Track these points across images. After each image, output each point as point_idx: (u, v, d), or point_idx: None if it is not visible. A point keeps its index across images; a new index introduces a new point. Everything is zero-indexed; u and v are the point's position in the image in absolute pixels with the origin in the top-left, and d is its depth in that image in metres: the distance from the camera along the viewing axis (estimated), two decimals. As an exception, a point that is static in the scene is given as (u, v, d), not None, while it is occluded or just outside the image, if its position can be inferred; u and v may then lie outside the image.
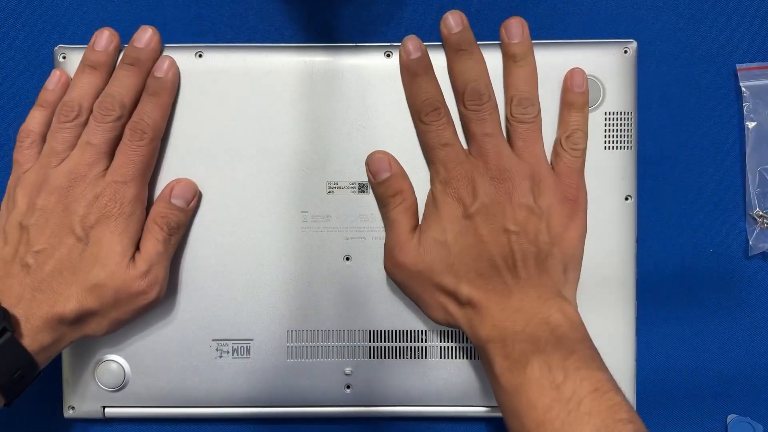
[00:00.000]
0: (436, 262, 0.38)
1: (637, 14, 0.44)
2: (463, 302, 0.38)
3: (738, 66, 0.44)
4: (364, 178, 0.41)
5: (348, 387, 0.42)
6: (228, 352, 0.42)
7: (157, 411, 0.43)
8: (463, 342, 0.42)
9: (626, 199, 0.41)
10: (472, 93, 0.39)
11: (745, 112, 0.44)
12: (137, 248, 0.39)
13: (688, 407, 0.45)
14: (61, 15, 0.44)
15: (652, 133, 0.44)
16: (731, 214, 0.44)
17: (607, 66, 0.41)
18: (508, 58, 0.40)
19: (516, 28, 0.39)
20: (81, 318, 0.37)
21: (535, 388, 0.34)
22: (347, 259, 0.42)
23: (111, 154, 0.39)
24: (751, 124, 0.44)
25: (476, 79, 0.39)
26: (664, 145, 0.44)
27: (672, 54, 0.44)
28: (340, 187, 0.41)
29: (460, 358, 0.42)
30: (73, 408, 0.43)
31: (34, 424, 0.45)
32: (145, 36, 0.40)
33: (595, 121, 0.41)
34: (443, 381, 0.42)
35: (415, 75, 0.39)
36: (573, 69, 0.40)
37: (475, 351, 0.42)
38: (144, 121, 0.39)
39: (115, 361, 0.42)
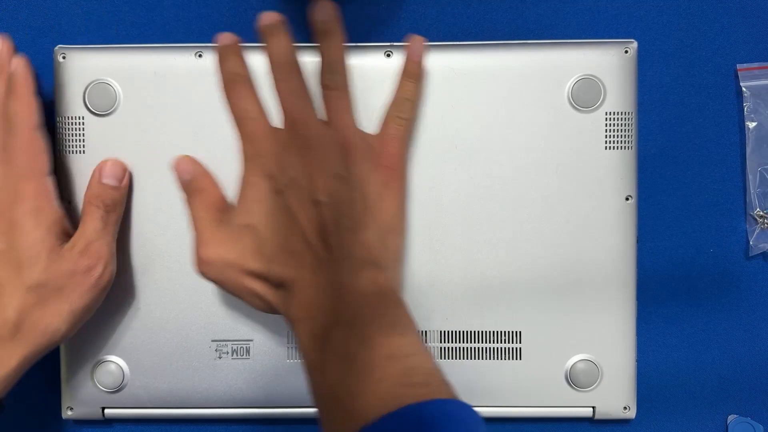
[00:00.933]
0: (245, 248, 0.37)
1: (638, 14, 0.44)
2: (275, 285, 0.36)
3: (738, 66, 0.44)
4: (364, 178, 0.41)
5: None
6: (227, 353, 0.42)
7: (156, 412, 0.42)
8: (462, 343, 0.42)
9: (627, 199, 0.41)
10: (278, 62, 0.38)
11: (745, 112, 0.44)
12: (73, 232, 0.38)
13: (688, 407, 0.45)
14: (61, 15, 0.44)
15: (653, 133, 0.44)
16: (732, 215, 0.44)
17: (608, 66, 0.41)
18: (317, 34, 0.39)
19: (323, 7, 0.39)
20: (24, 324, 0.36)
21: (332, 361, 0.33)
22: (347, 259, 0.41)
23: None
24: (751, 125, 0.44)
25: (283, 53, 0.38)
26: (664, 145, 0.44)
27: (672, 54, 0.44)
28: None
29: (459, 359, 0.42)
30: (71, 409, 0.43)
31: (33, 426, 0.45)
32: (13, 63, 0.39)
33: (596, 121, 0.41)
34: (443, 381, 0.42)
35: (223, 56, 0.39)
36: (414, 37, 0.40)
37: (475, 351, 0.42)
38: (14, 118, 0.38)
39: (114, 362, 0.42)
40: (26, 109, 0.38)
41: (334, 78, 0.39)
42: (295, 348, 0.41)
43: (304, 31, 0.44)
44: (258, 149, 0.38)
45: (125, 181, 0.40)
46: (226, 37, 0.40)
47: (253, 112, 0.38)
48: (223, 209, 0.39)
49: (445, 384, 0.32)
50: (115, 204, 0.40)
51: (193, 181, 0.40)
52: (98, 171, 0.40)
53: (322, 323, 0.34)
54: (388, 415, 0.29)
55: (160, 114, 0.41)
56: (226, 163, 0.41)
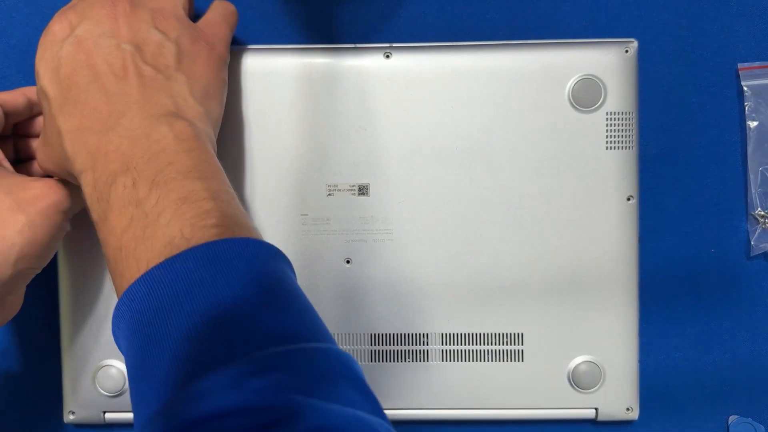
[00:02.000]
0: (46, 113, 0.34)
1: (638, 14, 0.44)
2: (63, 135, 0.32)
3: (739, 65, 0.44)
4: (365, 180, 0.41)
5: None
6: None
7: (157, 416, 0.42)
8: (464, 345, 0.42)
9: (628, 199, 0.41)
10: None
11: (746, 112, 0.44)
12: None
13: (689, 408, 0.45)
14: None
15: (654, 133, 0.44)
16: (733, 214, 0.44)
17: (608, 66, 0.41)
18: None
19: None
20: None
21: (117, 209, 0.30)
22: (348, 262, 0.41)
23: None
24: (752, 124, 0.44)
25: None
26: (665, 145, 0.44)
27: (673, 53, 0.44)
28: (339, 190, 0.41)
29: (461, 361, 0.42)
30: (73, 413, 0.42)
31: (35, 430, 0.45)
32: None
33: (597, 121, 0.41)
34: (445, 384, 0.42)
35: None
36: None
37: (477, 353, 0.42)
38: None
39: (115, 367, 0.42)
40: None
41: None
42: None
43: (303, 32, 0.44)
44: (61, 9, 0.35)
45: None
46: None
47: None
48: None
49: (240, 226, 0.29)
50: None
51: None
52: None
53: (108, 170, 0.30)
54: (170, 258, 0.27)
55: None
56: (225, 166, 0.41)
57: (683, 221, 0.44)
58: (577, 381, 0.42)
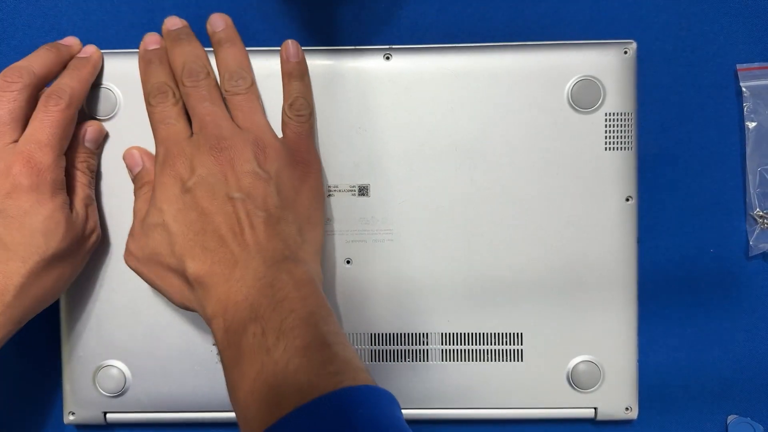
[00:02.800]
0: (159, 245, 0.37)
1: (637, 14, 0.44)
2: (191, 282, 0.36)
3: (738, 66, 0.44)
4: (365, 181, 0.41)
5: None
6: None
7: (158, 416, 0.42)
8: (464, 345, 0.42)
9: (627, 200, 0.41)
10: (189, 71, 0.38)
11: (745, 113, 0.44)
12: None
13: (688, 407, 0.45)
14: (60, 16, 0.44)
15: (653, 134, 0.44)
16: (732, 215, 0.44)
17: (607, 67, 0.41)
18: (215, 45, 0.40)
19: (218, 19, 0.40)
20: (30, 286, 0.37)
21: (248, 356, 0.32)
22: (348, 262, 0.41)
23: (19, 125, 0.37)
24: (751, 125, 0.44)
25: (193, 60, 0.39)
26: (664, 145, 0.44)
27: (672, 54, 0.44)
28: (340, 190, 0.41)
29: (461, 360, 0.42)
30: (73, 414, 0.42)
31: (35, 431, 0.45)
32: (72, 40, 0.41)
33: (596, 122, 0.41)
34: (445, 383, 0.42)
35: (149, 62, 0.40)
36: (286, 41, 0.40)
37: (477, 353, 0.42)
38: (61, 88, 0.38)
39: (116, 367, 0.42)
40: (79, 89, 0.39)
41: (238, 84, 0.39)
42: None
43: (303, 32, 0.44)
44: (170, 152, 0.37)
45: (100, 146, 0.41)
46: (152, 39, 0.40)
47: (171, 118, 0.38)
48: None
49: (357, 370, 0.32)
50: (94, 170, 0.41)
51: (142, 173, 0.40)
52: (82, 133, 0.40)
53: (238, 318, 0.33)
54: (301, 406, 0.29)
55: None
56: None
57: (682, 222, 0.44)
58: (576, 381, 0.42)
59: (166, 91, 0.39)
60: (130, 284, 0.41)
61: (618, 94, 0.41)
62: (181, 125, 0.38)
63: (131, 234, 0.39)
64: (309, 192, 0.39)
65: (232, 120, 0.38)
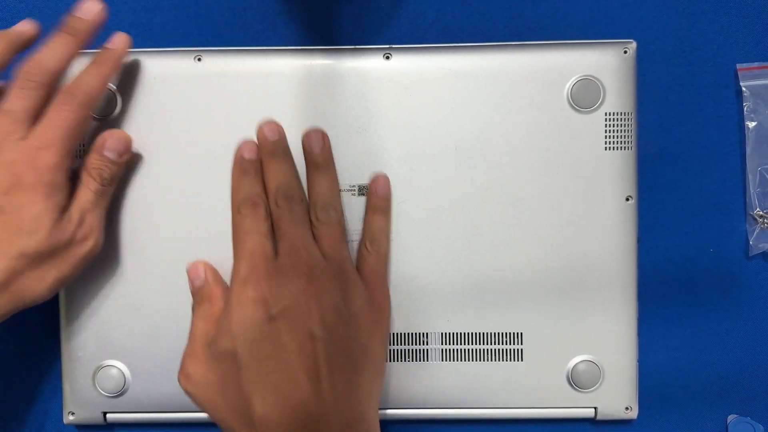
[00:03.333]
0: (226, 375, 0.34)
1: (637, 14, 0.44)
2: (255, 423, 0.33)
3: (738, 66, 0.44)
4: (365, 181, 0.41)
5: None
6: None
7: (158, 416, 0.42)
8: (463, 344, 0.42)
9: (627, 199, 0.41)
10: (285, 194, 0.37)
11: (745, 112, 0.44)
12: (70, 200, 0.38)
13: (688, 407, 0.45)
14: (59, 17, 0.44)
15: (653, 134, 0.44)
16: (732, 214, 0.44)
17: (607, 66, 0.41)
18: (309, 165, 0.39)
19: (316, 139, 0.39)
20: (10, 284, 0.35)
21: None
22: (348, 262, 0.41)
23: (32, 122, 0.37)
24: (751, 124, 0.44)
25: (289, 183, 0.38)
26: (664, 145, 0.44)
27: (672, 54, 0.44)
28: (340, 190, 0.41)
29: (461, 360, 0.42)
30: (72, 414, 0.42)
31: (34, 431, 0.45)
32: (93, 8, 0.38)
33: (595, 122, 0.41)
34: (445, 383, 0.42)
35: (245, 172, 0.38)
36: (379, 176, 0.40)
37: (477, 353, 0.42)
38: (78, 86, 0.37)
39: (115, 367, 0.42)
40: (96, 88, 0.37)
41: (329, 214, 0.38)
42: None
43: (303, 32, 0.44)
44: (255, 269, 0.35)
45: (126, 156, 0.40)
46: (249, 147, 0.39)
47: (260, 233, 0.36)
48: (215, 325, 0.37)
49: None
50: (112, 179, 0.39)
51: (203, 289, 0.39)
52: (102, 141, 0.39)
53: None
54: None
55: (159, 118, 0.41)
56: (226, 168, 0.41)
57: (682, 221, 0.44)
58: (576, 380, 0.42)
59: (259, 204, 0.37)
60: (130, 284, 0.41)
61: (618, 94, 0.41)
62: (269, 243, 0.36)
63: (192, 354, 0.36)
64: (380, 340, 0.37)
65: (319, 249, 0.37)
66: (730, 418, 0.45)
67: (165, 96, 0.41)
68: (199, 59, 0.41)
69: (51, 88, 0.37)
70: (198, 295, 0.39)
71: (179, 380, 0.36)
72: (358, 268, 0.39)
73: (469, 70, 0.41)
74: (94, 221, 0.38)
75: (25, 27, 0.39)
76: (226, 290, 0.38)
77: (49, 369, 0.44)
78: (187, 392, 0.36)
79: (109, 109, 0.41)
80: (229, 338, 0.34)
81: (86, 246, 0.38)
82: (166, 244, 0.41)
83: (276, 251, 0.36)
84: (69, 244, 0.37)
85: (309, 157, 0.39)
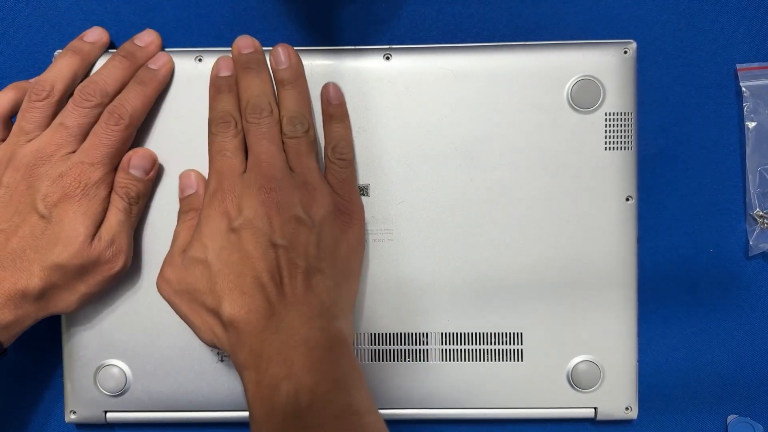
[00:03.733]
0: (198, 281, 0.36)
1: (637, 14, 0.44)
2: (225, 324, 0.36)
3: (738, 66, 0.44)
4: (365, 181, 0.41)
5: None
6: (229, 356, 0.42)
7: (158, 415, 0.43)
8: (464, 344, 0.42)
9: (627, 199, 0.41)
10: (253, 107, 0.38)
11: (745, 112, 0.44)
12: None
13: (688, 407, 0.45)
14: (60, 17, 0.44)
15: (652, 134, 0.44)
16: (731, 215, 0.44)
17: (607, 67, 0.41)
18: (278, 83, 0.40)
19: (285, 55, 0.40)
20: (46, 294, 0.38)
21: (280, 417, 0.32)
22: (348, 262, 0.41)
23: (83, 139, 0.39)
24: (751, 124, 0.44)
25: (258, 95, 0.39)
26: (664, 145, 0.44)
27: (672, 54, 0.44)
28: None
29: (461, 360, 0.42)
30: (74, 413, 0.43)
31: (36, 430, 0.45)
32: (148, 38, 0.41)
33: (595, 122, 0.41)
34: (445, 383, 0.42)
35: (218, 90, 0.39)
36: (327, 84, 0.41)
37: (477, 353, 0.42)
38: (123, 107, 0.39)
39: (117, 366, 0.42)
40: (141, 109, 0.39)
41: (296, 128, 0.38)
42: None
43: (303, 32, 0.44)
44: (221, 185, 0.37)
45: (152, 173, 0.41)
46: (225, 64, 0.40)
47: (229, 150, 0.38)
48: None
49: None
50: (139, 196, 0.40)
51: (192, 198, 0.40)
52: (127, 160, 0.40)
53: (271, 374, 0.33)
54: None
55: (160, 118, 0.41)
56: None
57: (682, 221, 0.44)
58: (576, 380, 0.42)
59: (228, 122, 0.38)
60: (131, 284, 0.42)
61: (618, 94, 0.41)
62: (237, 160, 0.38)
63: (170, 262, 0.38)
64: (348, 243, 0.38)
65: (287, 162, 0.38)
66: (730, 418, 0.45)
67: (165, 96, 0.41)
68: (200, 59, 0.41)
69: (104, 107, 0.39)
70: (186, 203, 0.40)
71: (158, 285, 0.39)
72: (327, 177, 0.39)
73: (469, 70, 0.41)
74: (123, 242, 0.39)
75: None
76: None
77: (51, 368, 0.44)
78: (164, 296, 0.38)
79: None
80: (201, 247, 0.37)
81: (115, 267, 0.39)
82: (166, 244, 0.41)
83: (245, 166, 0.38)
84: (97, 263, 0.39)
85: (276, 74, 0.40)
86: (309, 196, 0.37)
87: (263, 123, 0.38)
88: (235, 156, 0.38)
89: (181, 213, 0.40)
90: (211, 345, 0.37)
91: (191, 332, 0.41)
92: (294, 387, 0.33)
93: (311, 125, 0.39)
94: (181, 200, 0.41)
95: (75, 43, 0.41)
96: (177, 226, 0.40)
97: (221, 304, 0.35)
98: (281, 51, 0.40)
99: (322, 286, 0.36)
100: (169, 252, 0.39)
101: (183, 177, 0.41)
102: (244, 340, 0.35)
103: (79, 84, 0.40)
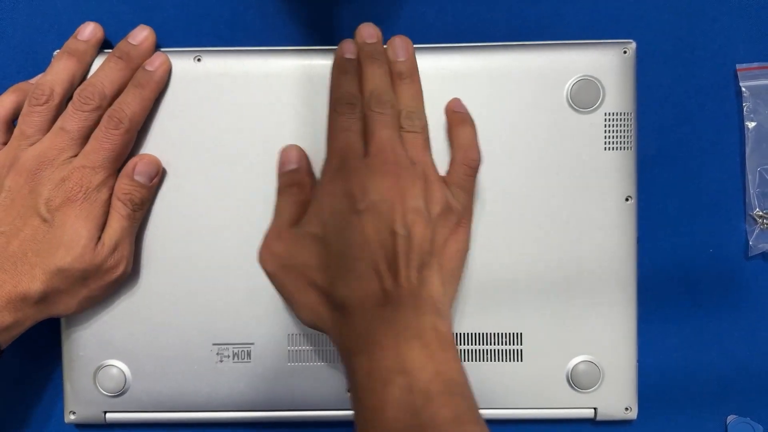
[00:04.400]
0: (311, 258, 0.36)
1: (637, 14, 0.44)
2: (335, 305, 0.36)
3: (738, 66, 0.44)
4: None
5: (349, 390, 0.42)
6: (228, 356, 0.42)
7: (158, 416, 0.43)
8: (464, 344, 0.42)
9: (626, 200, 0.41)
10: (378, 99, 0.38)
11: (745, 112, 0.44)
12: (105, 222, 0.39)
13: (688, 407, 0.45)
14: (59, 16, 0.44)
15: (652, 134, 0.44)
16: (731, 215, 0.44)
17: (607, 67, 0.41)
18: (394, 75, 0.40)
19: (401, 47, 0.40)
20: (47, 297, 0.38)
21: (394, 411, 0.32)
22: (348, 262, 0.41)
23: (84, 142, 0.39)
24: (751, 124, 0.44)
25: (383, 89, 0.39)
26: (664, 145, 0.44)
27: (672, 54, 0.44)
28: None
29: (462, 360, 0.42)
30: (73, 413, 0.43)
31: (35, 430, 0.45)
32: (141, 35, 0.40)
33: (595, 122, 0.41)
34: (444, 383, 0.42)
35: (344, 71, 0.39)
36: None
37: (476, 353, 0.42)
38: (123, 111, 0.39)
39: (116, 366, 0.42)
40: (140, 112, 0.40)
41: (414, 123, 0.39)
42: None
43: (303, 32, 0.44)
44: (345, 164, 0.37)
45: (156, 180, 0.41)
46: (349, 47, 0.40)
47: (353, 131, 0.38)
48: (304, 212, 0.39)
49: None
50: (143, 203, 0.40)
51: (296, 174, 0.40)
52: (132, 166, 0.40)
53: (384, 366, 0.33)
54: None
55: (159, 118, 0.41)
56: (225, 168, 0.41)
57: (682, 222, 0.44)
58: (576, 381, 0.42)
59: (354, 104, 0.38)
60: (131, 285, 0.42)
61: (617, 94, 0.41)
62: (360, 142, 0.38)
63: (277, 235, 0.38)
64: (456, 244, 0.38)
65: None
66: (730, 418, 0.45)
67: (164, 96, 0.41)
68: (199, 59, 0.41)
69: (104, 110, 0.39)
70: (288, 178, 0.40)
71: (261, 257, 0.38)
72: (447, 179, 0.39)
73: (469, 70, 0.41)
74: (126, 248, 0.40)
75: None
76: (313, 183, 0.40)
77: (50, 368, 0.44)
78: (267, 269, 0.38)
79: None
80: (320, 224, 0.36)
81: (117, 272, 0.40)
82: (166, 243, 0.41)
83: (366, 151, 0.37)
84: (100, 268, 0.39)
85: (394, 66, 0.40)
86: (428, 190, 0.37)
87: (387, 113, 0.38)
88: (359, 137, 0.38)
89: (284, 187, 0.40)
90: (309, 324, 0.37)
91: (190, 333, 0.42)
92: (407, 383, 0.32)
93: (426, 121, 0.40)
94: (281, 174, 0.40)
95: (71, 44, 0.40)
96: (279, 199, 0.40)
97: (334, 284, 0.35)
98: (399, 44, 0.40)
99: (433, 282, 0.36)
100: (273, 225, 0.39)
101: (285, 152, 0.40)
102: (354, 325, 0.34)
103: (78, 85, 0.40)
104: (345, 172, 0.37)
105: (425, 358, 0.33)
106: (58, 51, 0.41)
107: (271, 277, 0.38)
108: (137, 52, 0.40)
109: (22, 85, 0.41)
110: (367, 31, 0.40)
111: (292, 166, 0.40)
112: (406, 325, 0.34)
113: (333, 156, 0.38)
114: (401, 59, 0.40)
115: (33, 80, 0.41)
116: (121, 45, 0.40)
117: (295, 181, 0.40)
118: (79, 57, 0.40)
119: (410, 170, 0.37)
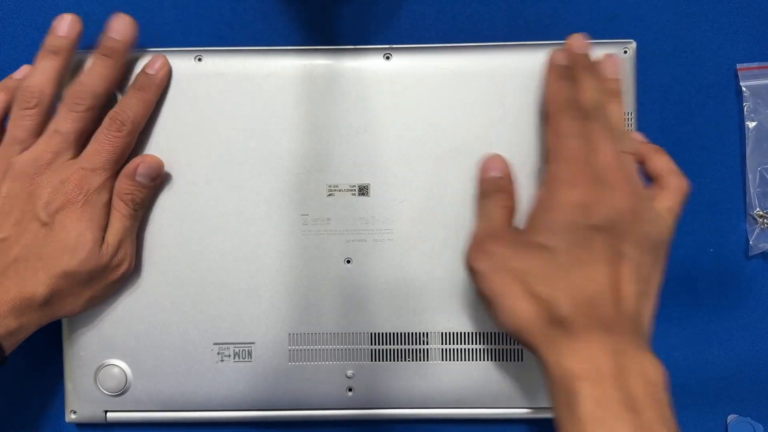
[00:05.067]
0: (536, 266, 0.35)
1: (637, 14, 0.44)
2: (554, 319, 0.34)
3: (738, 66, 0.44)
4: (365, 181, 0.41)
5: (350, 390, 0.42)
6: (229, 356, 0.42)
7: (159, 415, 0.43)
8: (464, 344, 0.42)
9: (627, 199, 0.41)
10: (596, 112, 0.37)
11: (745, 112, 0.44)
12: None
13: (688, 407, 0.45)
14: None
15: (653, 134, 0.44)
16: (731, 214, 0.44)
17: (607, 66, 0.41)
18: (605, 92, 0.39)
19: (611, 66, 0.39)
20: (51, 301, 0.38)
21: None
22: (348, 261, 0.42)
23: (79, 143, 0.39)
24: (751, 124, 0.44)
25: (600, 98, 0.37)
26: (664, 145, 0.44)
27: (672, 54, 0.44)
28: (340, 190, 0.41)
29: (461, 360, 0.42)
30: (74, 412, 0.43)
31: (36, 429, 0.45)
32: (120, 26, 0.39)
33: (595, 122, 0.41)
34: (445, 383, 0.42)
35: (564, 77, 0.38)
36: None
37: (476, 353, 0.42)
38: (125, 113, 0.39)
39: (117, 366, 0.42)
40: (141, 115, 0.40)
41: (623, 144, 0.37)
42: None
43: (303, 32, 0.44)
44: (577, 173, 0.35)
45: (158, 180, 0.41)
46: (561, 55, 0.39)
47: (580, 135, 0.36)
48: (512, 221, 0.39)
49: None
50: (144, 203, 0.40)
51: (501, 180, 0.40)
52: (134, 166, 0.40)
53: (616, 399, 0.31)
54: None
55: (160, 118, 0.41)
56: (225, 167, 0.41)
57: (682, 221, 0.44)
58: (576, 380, 0.42)
59: (578, 110, 0.37)
60: (131, 284, 0.42)
61: (618, 94, 0.41)
62: (586, 146, 0.36)
63: (495, 233, 0.38)
64: (661, 275, 0.36)
65: None
66: (730, 418, 0.45)
67: (165, 96, 0.41)
68: (199, 59, 0.41)
69: (98, 109, 0.39)
70: (492, 183, 0.40)
71: (471, 255, 0.37)
72: (656, 205, 0.38)
73: (469, 70, 0.41)
74: (128, 247, 0.40)
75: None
76: (517, 194, 0.40)
77: (51, 368, 0.44)
78: (477, 266, 0.37)
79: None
80: (550, 234, 0.35)
81: (120, 270, 0.40)
82: (168, 243, 0.41)
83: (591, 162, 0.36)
84: (105, 269, 0.39)
85: (604, 83, 0.39)
86: (654, 214, 0.36)
87: (607, 127, 0.36)
88: (589, 145, 0.36)
89: (490, 192, 0.40)
90: (512, 331, 0.35)
91: (191, 332, 0.42)
92: (639, 422, 0.31)
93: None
94: (484, 179, 0.40)
95: (52, 42, 0.39)
96: (485, 203, 0.40)
97: (558, 298, 0.34)
98: (612, 62, 0.39)
99: (646, 313, 0.35)
100: (482, 226, 0.39)
101: (489, 159, 0.40)
102: (574, 345, 0.33)
103: (65, 83, 0.39)
104: (577, 183, 0.35)
105: (648, 397, 0.32)
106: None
107: (480, 276, 0.37)
108: (121, 45, 0.39)
109: (8, 82, 0.41)
110: (581, 42, 0.39)
111: (497, 174, 0.40)
112: (632, 358, 0.33)
113: (561, 163, 0.36)
114: (615, 77, 0.39)
115: (16, 75, 0.41)
116: (104, 41, 0.39)
117: (501, 187, 0.40)
118: (62, 54, 0.39)
119: (643, 192, 0.36)
